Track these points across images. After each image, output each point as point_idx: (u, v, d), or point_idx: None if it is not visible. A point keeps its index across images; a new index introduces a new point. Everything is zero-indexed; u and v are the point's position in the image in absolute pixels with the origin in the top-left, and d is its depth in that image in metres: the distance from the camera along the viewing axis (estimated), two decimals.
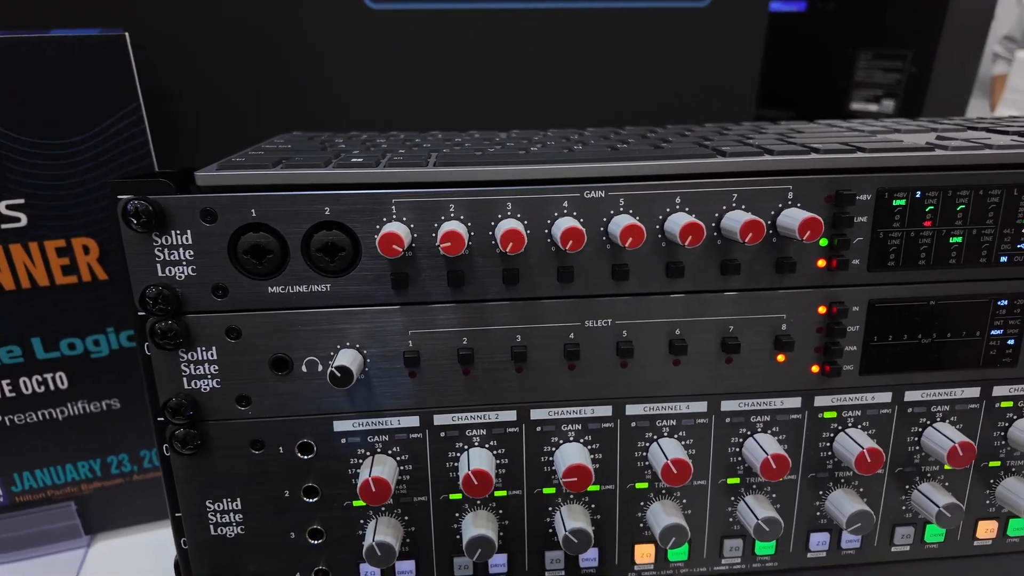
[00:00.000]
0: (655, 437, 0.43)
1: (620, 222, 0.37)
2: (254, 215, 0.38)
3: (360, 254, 0.38)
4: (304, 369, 0.40)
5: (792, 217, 0.38)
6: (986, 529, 0.47)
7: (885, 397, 0.43)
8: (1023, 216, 0.41)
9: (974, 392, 0.44)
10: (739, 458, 0.43)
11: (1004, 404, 0.44)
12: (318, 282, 0.39)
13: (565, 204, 0.39)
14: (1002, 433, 0.45)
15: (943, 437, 0.43)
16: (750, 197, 0.39)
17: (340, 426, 0.41)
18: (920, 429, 0.44)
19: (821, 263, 0.41)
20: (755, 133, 0.49)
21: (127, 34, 0.48)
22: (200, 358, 0.40)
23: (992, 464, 0.45)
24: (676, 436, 0.43)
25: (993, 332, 0.43)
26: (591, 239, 0.39)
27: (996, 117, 0.59)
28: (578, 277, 0.40)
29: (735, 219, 0.38)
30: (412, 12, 0.69)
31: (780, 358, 0.42)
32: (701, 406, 0.42)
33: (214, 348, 0.40)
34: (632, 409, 0.42)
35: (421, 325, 0.40)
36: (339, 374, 0.37)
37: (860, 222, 0.40)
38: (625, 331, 0.41)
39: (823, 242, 0.40)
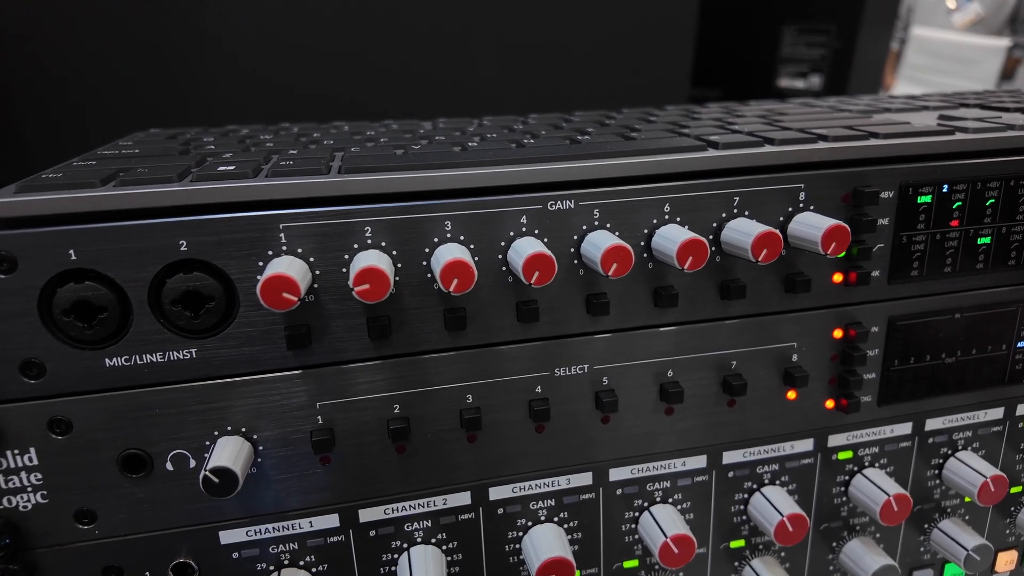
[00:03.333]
0: (646, 504, 0.34)
1: (599, 242, 0.28)
2: (74, 258, 0.26)
3: (237, 303, 0.27)
4: (170, 467, 0.29)
5: (811, 225, 0.30)
6: (1006, 561, 0.41)
7: (904, 428, 0.37)
8: None
9: (997, 413, 0.38)
10: (744, 516, 0.36)
11: None
12: (178, 346, 0.27)
13: (524, 219, 0.29)
14: None
15: (970, 471, 0.36)
16: (755, 200, 0.31)
17: (229, 537, 0.30)
18: (941, 460, 0.38)
19: (837, 278, 0.33)
20: (733, 117, 0.41)
21: None
22: (12, 465, 0.27)
23: (1014, 490, 0.40)
24: (671, 500, 0.34)
25: (1020, 344, 0.37)
26: (559, 261, 0.29)
27: (909, 96, 0.54)
28: (544, 314, 0.30)
29: (743, 231, 0.29)
30: None
31: (791, 395, 0.34)
32: (699, 461, 0.34)
33: (32, 450, 0.27)
34: (617, 473, 0.33)
35: (334, 393, 0.29)
36: (216, 479, 0.26)
37: (882, 225, 0.33)
38: (606, 378, 0.32)
39: (840, 253, 0.33)
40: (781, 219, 0.31)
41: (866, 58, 1.03)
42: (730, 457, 0.34)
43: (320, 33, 0.60)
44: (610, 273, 0.27)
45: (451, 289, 0.26)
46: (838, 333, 0.34)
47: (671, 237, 0.28)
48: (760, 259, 0.28)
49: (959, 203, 0.33)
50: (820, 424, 0.35)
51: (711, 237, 0.31)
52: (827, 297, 0.33)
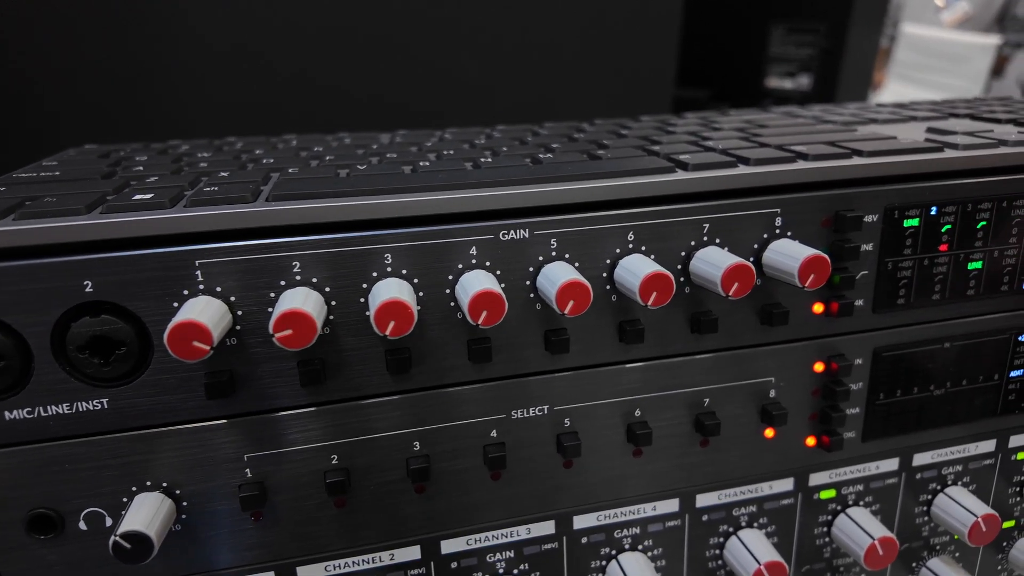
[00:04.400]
0: (614, 553, 0.31)
1: (555, 277, 0.25)
2: None
3: (151, 348, 0.24)
4: (83, 526, 0.26)
5: (787, 255, 0.27)
6: None
7: (891, 464, 0.34)
8: None
9: (989, 446, 0.36)
10: (719, 562, 0.33)
11: (1021, 455, 0.36)
12: (88, 396, 0.24)
13: (473, 251, 0.26)
14: (1018, 488, 0.37)
15: (961, 509, 0.34)
16: (727, 226, 0.28)
17: None
18: (930, 496, 0.36)
19: (818, 308, 0.31)
20: (709, 130, 0.39)
21: None
22: None
23: (1006, 525, 0.38)
24: (641, 547, 0.32)
25: (1013, 374, 0.34)
26: (513, 296, 0.27)
27: (898, 104, 0.52)
28: (498, 352, 0.28)
29: (712, 263, 0.27)
30: None
31: (768, 433, 0.32)
32: (671, 505, 0.32)
33: None
34: (581, 521, 0.31)
35: (263, 444, 0.26)
36: (127, 545, 0.23)
37: (866, 251, 0.30)
38: (568, 419, 0.29)
39: None
40: (756, 246, 0.29)
41: (856, 57, 1.01)
42: (704, 500, 0.32)
43: (287, 36, 0.57)
44: (566, 311, 0.25)
45: (387, 332, 0.23)
46: (819, 366, 0.31)
47: (634, 270, 0.26)
48: (731, 294, 0.26)
49: (948, 226, 0.31)
50: (800, 462, 0.33)
51: (680, 267, 0.28)
52: (807, 328, 0.31)
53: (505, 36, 0.64)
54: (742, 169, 0.29)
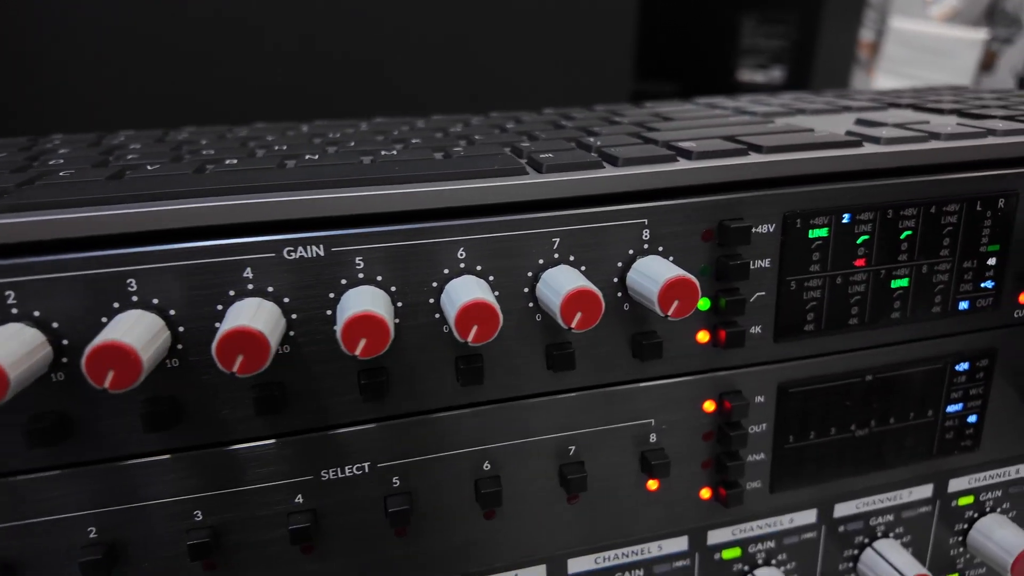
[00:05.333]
0: None
1: (349, 306, 0.20)
2: None
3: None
4: None
5: (647, 277, 0.22)
6: None
7: (808, 517, 0.29)
8: (988, 239, 0.27)
9: (925, 491, 0.31)
10: None
11: (963, 501, 0.31)
12: None
13: (248, 272, 0.21)
14: (960, 539, 0.32)
15: (890, 569, 0.29)
16: (582, 241, 0.23)
17: None
18: (856, 551, 0.30)
19: (703, 337, 0.25)
20: (606, 124, 0.33)
21: None
22: None
23: None
24: None
25: (950, 409, 0.29)
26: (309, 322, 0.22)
27: (878, 91, 0.47)
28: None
29: (556, 288, 0.21)
30: None
31: (651, 485, 0.27)
32: (537, 572, 0.27)
33: None
34: None
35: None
36: None
37: (760, 268, 0.25)
38: (396, 478, 0.24)
39: (703, 304, 0.25)
40: (619, 265, 0.24)
41: (830, 50, 0.96)
42: (578, 565, 0.27)
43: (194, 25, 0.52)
44: (359, 352, 0.20)
45: (106, 385, 0.18)
46: (710, 405, 0.26)
47: (455, 299, 0.21)
48: (574, 327, 0.21)
49: (865, 236, 0.26)
50: (695, 519, 0.28)
51: (526, 290, 0.23)
52: (692, 361, 0.25)
53: (449, 30, 0.59)
54: (606, 171, 0.24)
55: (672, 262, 0.24)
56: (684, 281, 0.21)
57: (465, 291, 0.21)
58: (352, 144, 0.30)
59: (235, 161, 0.26)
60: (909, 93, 0.43)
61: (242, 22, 0.52)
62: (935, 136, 0.27)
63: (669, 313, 0.21)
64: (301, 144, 0.30)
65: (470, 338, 0.20)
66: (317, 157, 0.26)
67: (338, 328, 0.19)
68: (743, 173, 0.24)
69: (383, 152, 0.27)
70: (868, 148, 0.26)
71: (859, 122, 0.32)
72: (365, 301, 0.20)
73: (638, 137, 0.28)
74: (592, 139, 0.28)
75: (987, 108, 0.34)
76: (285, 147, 0.29)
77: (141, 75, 0.52)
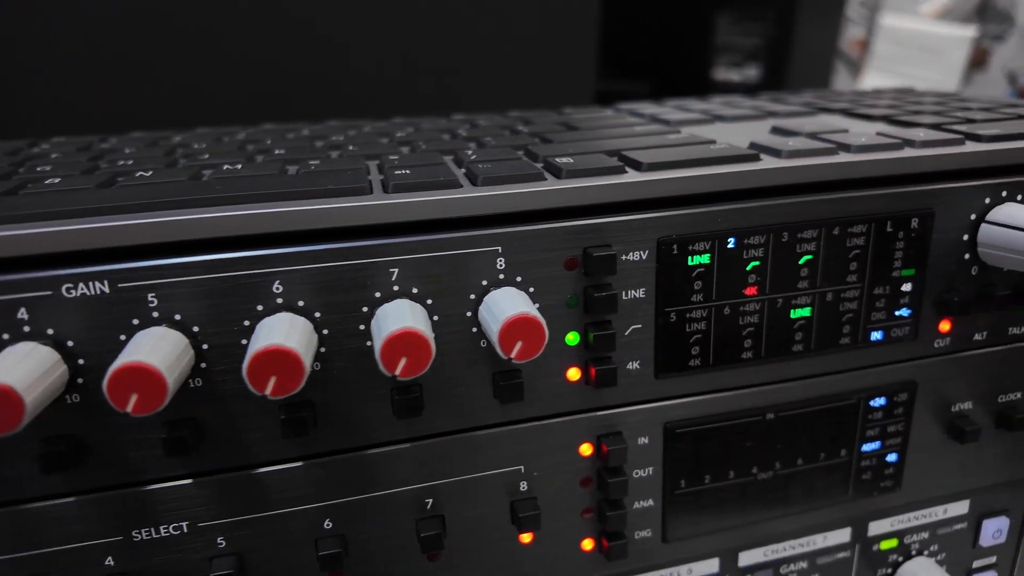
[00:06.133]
0: None
1: (126, 355, 0.17)
2: None
3: None
4: None
5: (492, 313, 0.20)
6: None
7: (708, 567, 0.27)
8: (901, 262, 0.25)
9: (842, 536, 0.28)
10: None
11: (886, 545, 0.29)
12: None
13: (22, 313, 0.19)
14: None
15: None
16: (429, 271, 0.21)
17: None
18: None
19: (573, 375, 0.23)
20: (508, 132, 0.31)
21: None
22: None
23: None
24: None
25: (866, 448, 0.27)
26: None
27: (858, 91, 0.44)
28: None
29: (384, 325, 0.19)
30: None
31: (524, 538, 0.24)
32: None
33: None
34: None
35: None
36: None
37: (635, 299, 0.22)
38: (221, 539, 0.22)
39: (572, 339, 0.22)
40: (472, 297, 0.21)
41: (808, 48, 0.94)
42: None
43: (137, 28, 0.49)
44: (131, 410, 0.17)
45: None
46: (586, 448, 0.24)
47: (263, 336, 0.18)
48: (397, 373, 0.18)
49: (756, 263, 0.23)
50: (577, 573, 0.25)
51: (361, 327, 0.21)
52: (563, 401, 0.23)
53: (397, 30, 0.56)
54: (460, 191, 0.21)
55: (532, 294, 0.21)
56: (526, 320, 0.18)
57: (266, 334, 0.18)
58: (278, 152, 0.27)
59: (149, 173, 0.23)
60: (871, 95, 0.40)
61: (183, 31, 0.49)
62: (845, 148, 0.25)
63: (512, 356, 0.19)
64: (230, 152, 0.28)
65: (267, 392, 0.18)
66: (240, 167, 0.24)
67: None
68: (611, 194, 0.21)
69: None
70: (766, 162, 0.23)
71: (774, 131, 0.29)
72: (134, 354, 0.17)
73: (525, 151, 0.26)
74: (470, 153, 0.25)
75: (920, 115, 0.31)
76: (206, 156, 0.27)
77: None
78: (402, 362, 0.18)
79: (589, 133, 0.29)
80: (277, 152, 0.28)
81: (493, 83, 0.61)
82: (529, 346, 0.18)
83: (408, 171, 0.22)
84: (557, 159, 0.23)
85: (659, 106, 0.38)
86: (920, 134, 0.26)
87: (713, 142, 0.26)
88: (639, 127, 0.31)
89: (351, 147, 0.28)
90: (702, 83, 1.00)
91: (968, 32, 1.89)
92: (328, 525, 0.22)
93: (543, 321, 0.19)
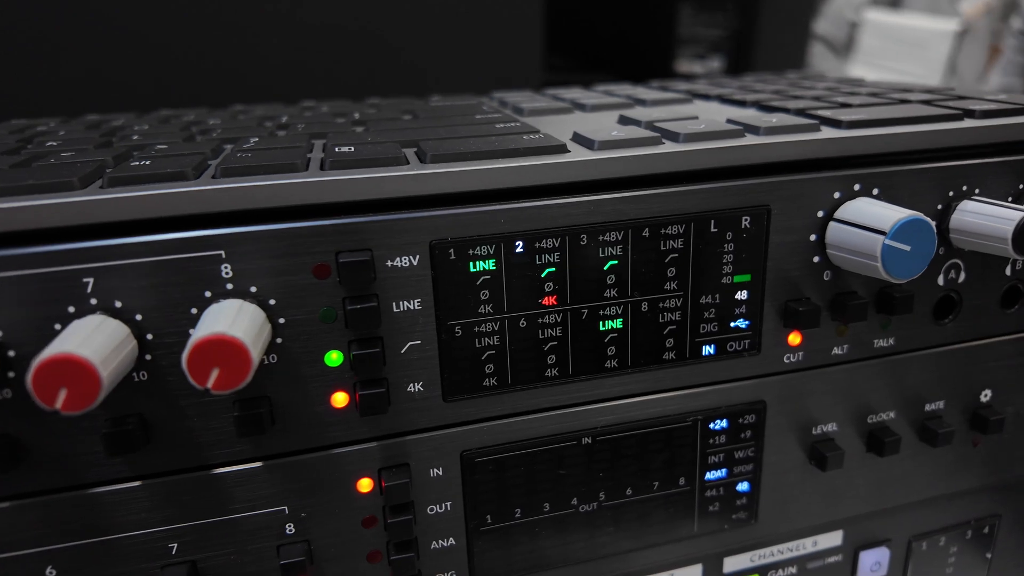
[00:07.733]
0: None
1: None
2: None
3: None
4: None
5: (194, 335, 0.17)
6: None
7: None
8: (732, 267, 0.22)
9: (693, 573, 0.25)
10: None
11: None
12: None
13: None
14: None
15: None
16: (126, 282, 0.18)
17: None
18: None
19: (339, 400, 0.20)
20: (340, 121, 0.28)
21: None
22: None
23: None
24: None
25: (710, 476, 0.24)
26: None
27: (839, 78, 0.41)
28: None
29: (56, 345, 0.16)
30: None
31: None
32: None
33: None
34: None
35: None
36: None
37: (408, 312, 0.19)
38: None
39: (335, 359, 0.19)
40: (193, 312, 0.18)
41: (774, 39, 0.91)
42: None
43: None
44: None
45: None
46: (366, 484, 0.21)
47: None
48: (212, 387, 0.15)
49: (551, 269, 0.20)
50: None
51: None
52: (331, 431, 0.20)
53: (334, 19, 0.52)
54: (179, 185, 0.18)
55: (272, 307, 0.18)
56: (216, 343, 0.15)
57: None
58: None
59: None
60: (815, 79, 0.37)
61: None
62: (672, 137, 0.22)
63: (208, 386, 0.16)
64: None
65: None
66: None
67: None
68: (369, 190, 0.18)
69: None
70: (576, 155, 0.20)
71: (621, 120, 0.26)
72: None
73: (308, 142, 0.23)
74: (243, 144, 0.22)
75: (796, 100, 0.28)
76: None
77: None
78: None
79: (419, 122, 0.26)
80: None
81: (438, 71, 0.58)
82: (230, 374, 0.16)
83: (148, 161, 0.19)
84: (338, 148, 0.20)
85: (570, 92, 0.35)
86: (773, 120, 0.23)
87: (537, 132, 0.23)
88: (490, 116, 0.27)
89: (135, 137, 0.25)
90: (665, 75, 0.97)
91: (951, 26, 1.85)
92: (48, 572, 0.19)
93: (246, 342, 0.16)
